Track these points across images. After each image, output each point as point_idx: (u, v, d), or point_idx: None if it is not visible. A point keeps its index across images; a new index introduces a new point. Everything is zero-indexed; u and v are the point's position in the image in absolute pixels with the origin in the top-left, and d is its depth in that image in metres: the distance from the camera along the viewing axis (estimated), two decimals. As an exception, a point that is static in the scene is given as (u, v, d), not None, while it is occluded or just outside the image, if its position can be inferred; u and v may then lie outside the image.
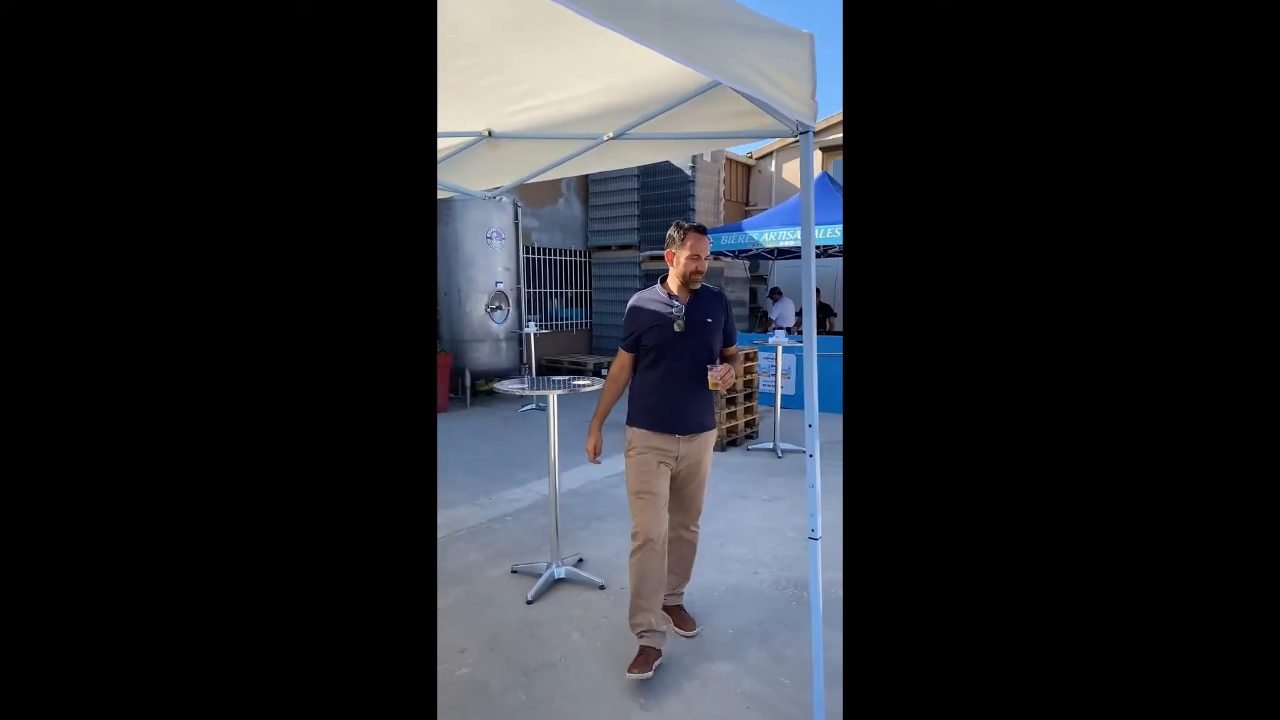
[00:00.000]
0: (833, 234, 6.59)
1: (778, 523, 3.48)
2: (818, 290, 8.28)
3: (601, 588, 2.74)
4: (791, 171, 13.54)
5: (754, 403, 5.47)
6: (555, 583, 2.77)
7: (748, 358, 5.38)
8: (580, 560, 3.02)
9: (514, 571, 2.89)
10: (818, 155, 13.18)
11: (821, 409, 6.49)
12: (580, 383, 2.80)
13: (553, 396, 2.69)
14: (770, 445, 5.04)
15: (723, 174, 9.81)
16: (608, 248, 9.98)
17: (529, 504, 3.87)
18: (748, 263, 10.28)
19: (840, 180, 8.09)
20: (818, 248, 8.60)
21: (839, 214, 6.87)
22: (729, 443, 5.15)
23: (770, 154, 13.83)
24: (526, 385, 2.75)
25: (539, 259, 9.58)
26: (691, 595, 2.59)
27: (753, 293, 10.88)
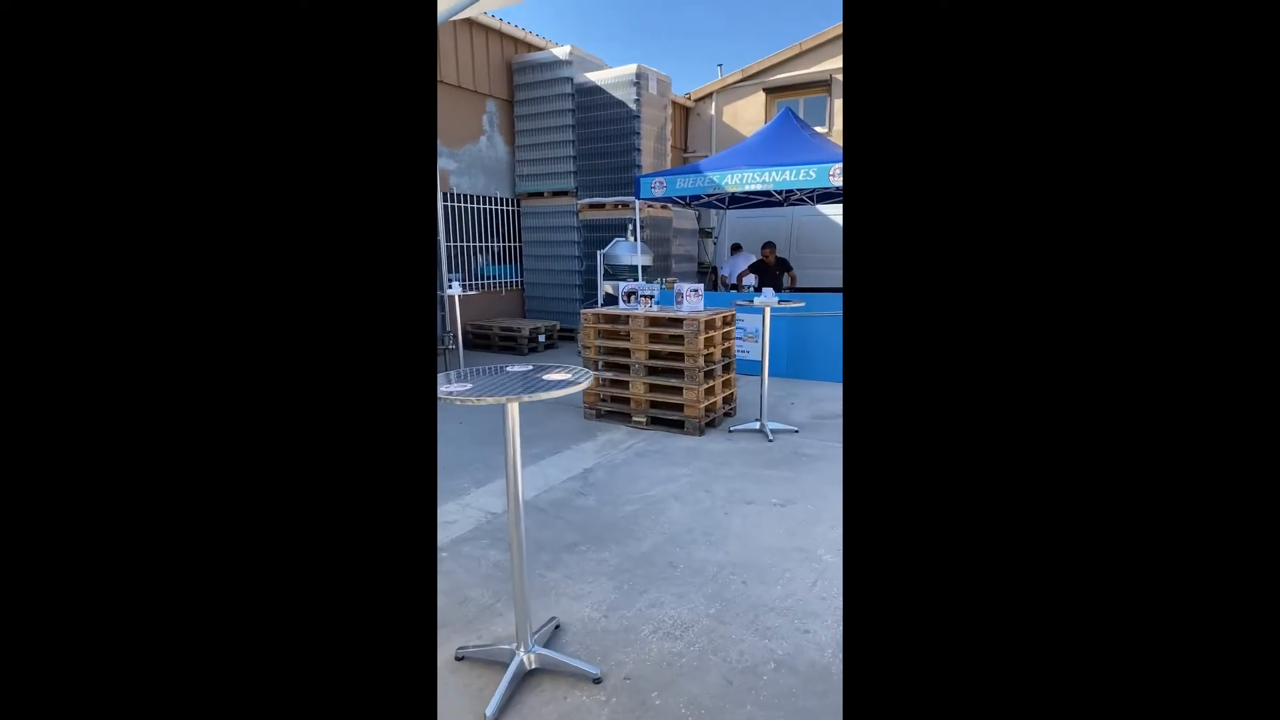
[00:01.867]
0: (792, 176, 5.75)
1: (804, 539, 2.69)
2: (772, 245, 7.53)
3: (597, 681, 1.84)
4: (733, 114, 12.60)
5: (732, 375, 4.64)
6: (526, 676, 1.85)
7: (725, 322, 4.52)
8: (556, 627, 2.11)
9: (460, 658, 1.94)
10: (760, 97, 12.31)
11: (793, 374, 5.63)
12: (554, 378, 1.82)
13: (512, 410, 1.70)
14: (756, 425, 4.25)
15: (669, 110, 8.74)
16: (539, 194, 8.76)
17: (471, 528, 2.89)
18: (698, 213, 9.36)
19: (803, 118, 7.24)
20: (776, 193, 7.81)
21: (805, 154, 6.04)
22: (708, 424, 4.32)
23: (710, 95, 12.80)
24: (465, 387, 1.74)
25: (459, 207, 8.25)
26: (726, 681, 1.75)
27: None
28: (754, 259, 7.24)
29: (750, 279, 6.93)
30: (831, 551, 2.57)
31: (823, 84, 11.53)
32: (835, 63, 11.31)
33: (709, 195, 7.54)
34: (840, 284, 7.58)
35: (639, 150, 7.99)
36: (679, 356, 4.23)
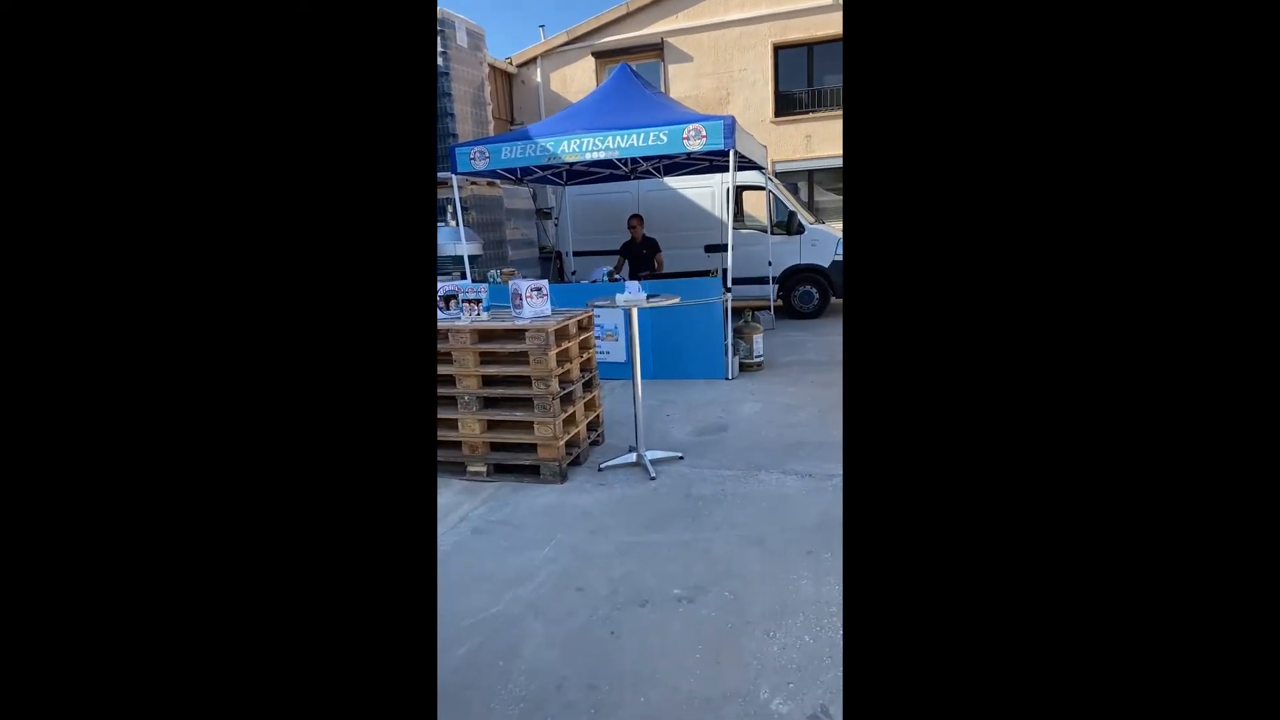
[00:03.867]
0: (640, 141, 4.84)
1: (735, 671, 1.78)
2: (640, 217, 6.59)
3: None
4: (562, 81, 11.46)
5: (596, 392, 3.64)
6: None
7: (582, 327, 3.49)
8: None
9: None
10: (590, 62, 11.29)
11: (661, 375, 4.66)
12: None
13: None
14: (632, 456, 3.31)
15: (486, 70, 7.40)
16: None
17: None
18: (533, 190, 8.16)
19: (642, 76, 6.34)
20: (620, 163, 6.88)
21: (652, 115, 5.16)
22: (571, 462, 3.29)
23: (534, 59, 11.53)
24: None
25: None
26: None
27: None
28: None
29: (601, 271, 5.94)
30: (781, 691, 1.68)
31: (655, 48, 10.77)
32: (666, 24, 10.59)
33: (543, 168, 6.42)
34: (697, 267, 6.89)
35: (452, 116, 6.62)
36: (524, 380, 3.14)
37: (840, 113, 10.11)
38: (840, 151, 10.19)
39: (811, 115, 10.33)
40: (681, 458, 3.37)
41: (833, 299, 7.55)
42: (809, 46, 10.23)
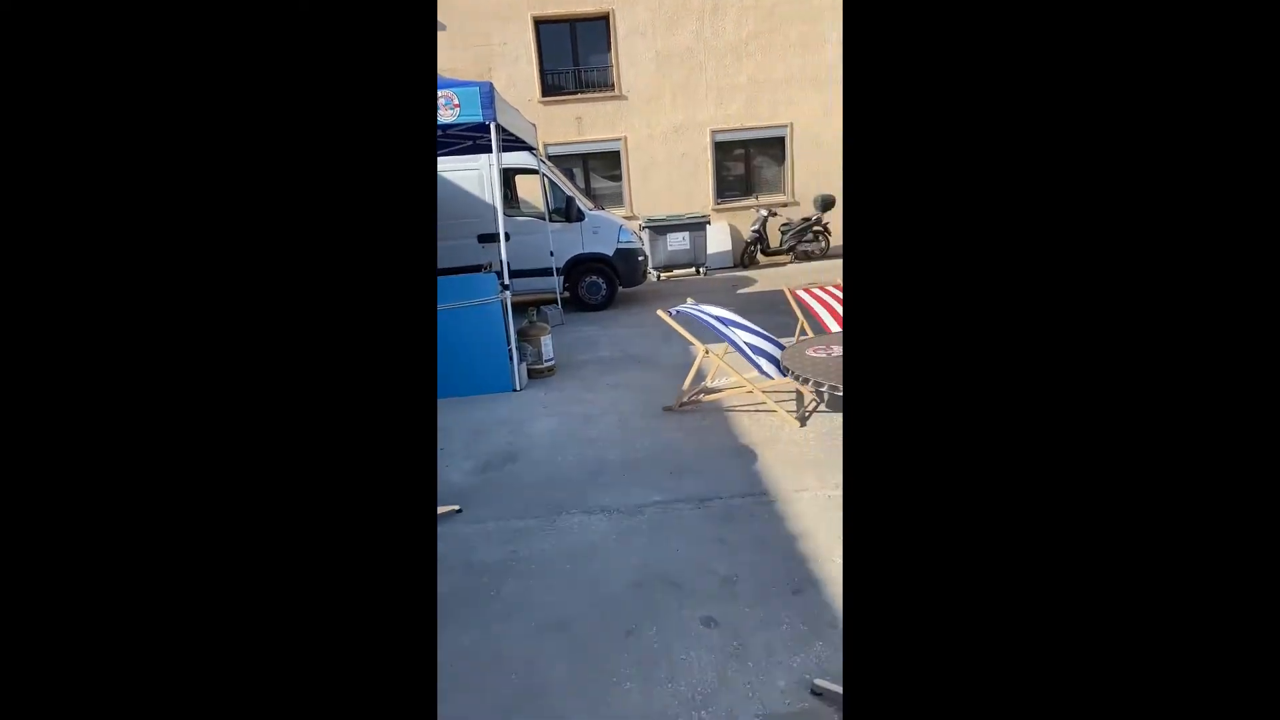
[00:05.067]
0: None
1: None
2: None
3: None
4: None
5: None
6: None
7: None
8: None
9: None
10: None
11: (440, 392, 4.31)
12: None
13: None
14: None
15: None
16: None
17: None
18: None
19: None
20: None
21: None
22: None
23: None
24: None
25: None
26: None
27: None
28: None
29: None
30: None
31: (400, 11, 9.44)
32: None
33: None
34: (472, 261, 6.08)
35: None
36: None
37: (610, 94, 9.87)
38: (614, 135, 10.02)
39: (581, 96, 9.94)
40: (460, 510, 2.66)
41: (620, 288, 7.26)
42: (571, 23, 9.78)
